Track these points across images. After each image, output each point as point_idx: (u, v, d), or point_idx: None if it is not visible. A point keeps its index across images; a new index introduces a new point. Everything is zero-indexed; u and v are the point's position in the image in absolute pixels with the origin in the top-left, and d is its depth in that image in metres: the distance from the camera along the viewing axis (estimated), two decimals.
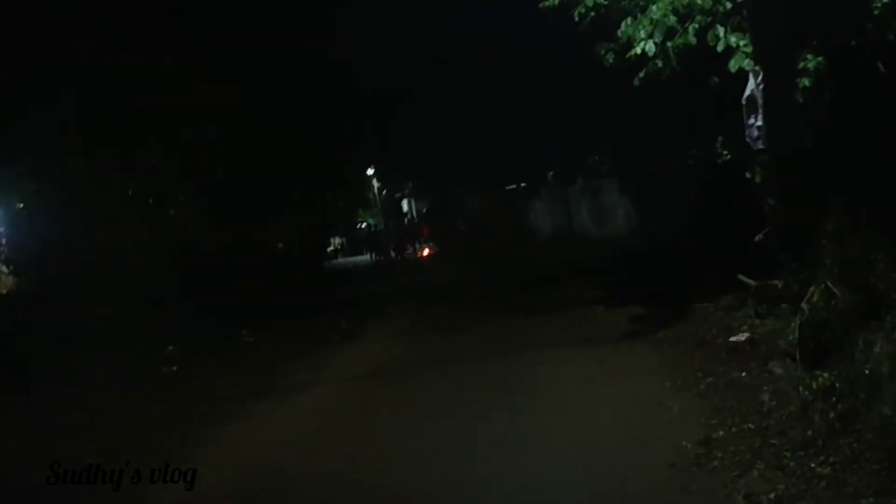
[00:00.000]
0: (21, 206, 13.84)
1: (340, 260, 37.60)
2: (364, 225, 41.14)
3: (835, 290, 5.23)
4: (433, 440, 5.81)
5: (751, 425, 4.82)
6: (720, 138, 8.20)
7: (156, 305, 11.58)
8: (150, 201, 13.96)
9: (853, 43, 6.37)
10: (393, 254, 31.62)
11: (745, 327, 7.09)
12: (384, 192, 46.02)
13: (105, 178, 12.60)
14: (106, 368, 9.40)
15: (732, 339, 6.85)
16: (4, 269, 13.77)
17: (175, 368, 10.25)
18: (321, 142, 17.37)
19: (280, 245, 16.65)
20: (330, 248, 37.76)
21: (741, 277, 7.72)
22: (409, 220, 39.11)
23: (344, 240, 41.19)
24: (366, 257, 33.86)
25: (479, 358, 8.56)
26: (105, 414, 7.96)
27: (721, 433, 4.80)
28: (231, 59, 13.65)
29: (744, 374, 5.91)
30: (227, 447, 6.53)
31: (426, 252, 31.52)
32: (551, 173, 28.30)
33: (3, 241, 14.16)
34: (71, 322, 10.82)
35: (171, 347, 10.90)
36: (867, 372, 4.61)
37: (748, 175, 7.58)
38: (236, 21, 13.90)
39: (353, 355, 10.27)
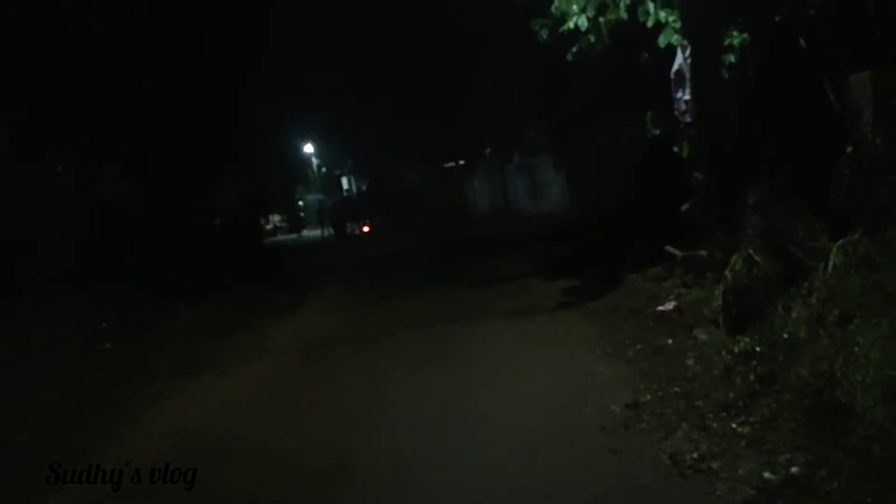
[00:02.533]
0: None
1: (280, 237, 37.10)
2: (316, 198, 40.46)
3: (756, 258, 5.43)
4: (369, 408, 5.84)
5: (677, 389, 4.99)
6: (650, 113, 8.35)
7: (89, 281, 11.23)
8: (84, 175, 13.48)
9: (776, 19, 6.55)
10: (350, 226, 31.03)
11: (672, 296, 7.30)
12: (323, 168, 45.56)
13: (35, 152, 12.09)
14: (36, 344, 9.10)
15: (660, 307, 7.06)
16: None
17: (108, 345, 10.00)
18: (257, 118, 17.08)
19: (217, 221, 16.33)
20: (269, 226, 37.24)
21: (669, 248, 7.92)
22: (349, 195, 38.79)
23: (284, 216, 40.66)
24: (313, 233, 33.28)
25: (415, 328, 8.61)
26: (34, 391, 7.73)
27: (648, 397, 4.95)
28: (168, 29, 13.24)
29: (670, 340, 6.10)
30: (163, 421, 6.42)
31: (366, 228, 31.40)
32: (488, 150, 28.46)
33: None
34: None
35: (104, 324, 10.62)
36: (785, 336, 4.82)
37: (676, 149, 7.76)
38: None
39: (291, 328, 10.19)
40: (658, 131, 8.34)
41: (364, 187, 38.81)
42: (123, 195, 13.04)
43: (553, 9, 7.56)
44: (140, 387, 7.56)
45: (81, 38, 11.95)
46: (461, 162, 32.25)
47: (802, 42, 6.67)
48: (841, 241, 5.42)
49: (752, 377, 4.65)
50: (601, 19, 7.19)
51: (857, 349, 4.29)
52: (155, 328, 10.86)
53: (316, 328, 9.83)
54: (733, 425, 4.29)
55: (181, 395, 7.10)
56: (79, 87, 12.27)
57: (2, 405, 7.13)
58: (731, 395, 4.58)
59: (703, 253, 6.53)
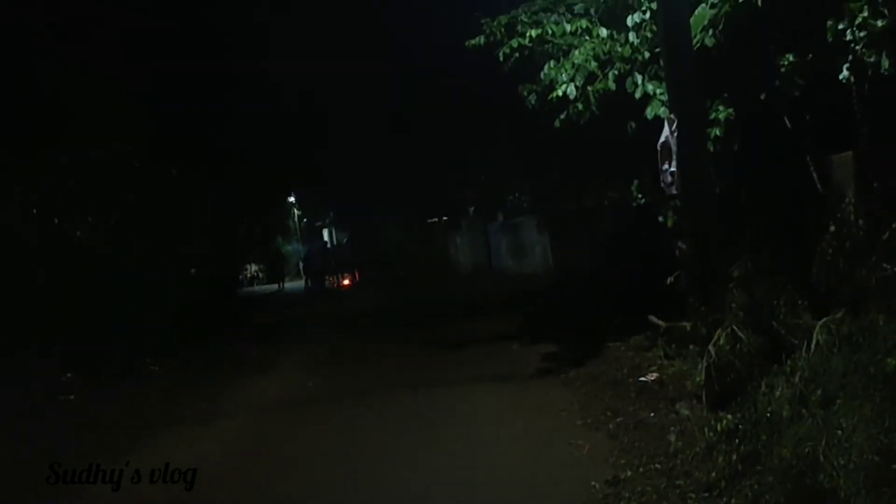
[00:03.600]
0: None
1: (257, 287, 36.80)
2: (297, 249, 40.23)
3: (740, 334, 5.39)
4: (337, 476, 5.68)
5: (658, 466, 4.88)
6: (635, 181, 8.40)
7: (54, 329, 10.98)
8: (55, 220, 13.32)
9: (762, 97, 6.66)
10: (329, 279, 30.75)
11: (654, 367, 7.23)
12: (305, 220, 45.56)
13: (5, 192, 11.96)
14: None
15: (642, 378, 6.99)
16: None
17: (72, 397, 9.72)
18: (240, 167, 17.08)
19: (192, 270, 16.14)
20: (248, 275, 36.95)
21: (652, 318, 7.88)
22: (330, 248, 38.71)
23: (261, 266, 40.40)
24: (291, 284, 32.98)
25: (392, 392, 8.44)
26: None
27: (629, 473, 4.84)
28: (147, 75, 13.27)
29: (652, 414, 6.01)
30: (125, 481, 6.19)
31: (347, 282, 31.23)
32: (472, 208, 28.62)
33: None
34: None
35: (69, 375, 10.35)
36: (769, 415, 4.75)
37: (661, 219, 7.79)
38: (152, 36, 13.51)
39: (262, 386, 9.96)
40: (643, 199, 8.38)
41: (345, 240, 38.82)
42: (93, 243, 12.86)
43: (542, 76, 7.67)
44: (100, 445, 7.29)
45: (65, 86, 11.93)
46: (444, 218, 32.40)
47: (786, 120, 6.78)
48: (824, 320, 5.42)
49: (734, 456, 4.56)
50: (589, 88, 7.29)
51: (840, 432, 4.24)
52: (122, 381, 10.59)
53: (286, 387, 9.64)
54: None
55: (142, 455, 6.86)
56: (56, 131, 12.20)
57: None
58: (714, 474, 4.48)
59: (687, 325, 6.49)
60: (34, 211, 12.58)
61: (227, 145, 16.16)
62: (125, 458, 6.69)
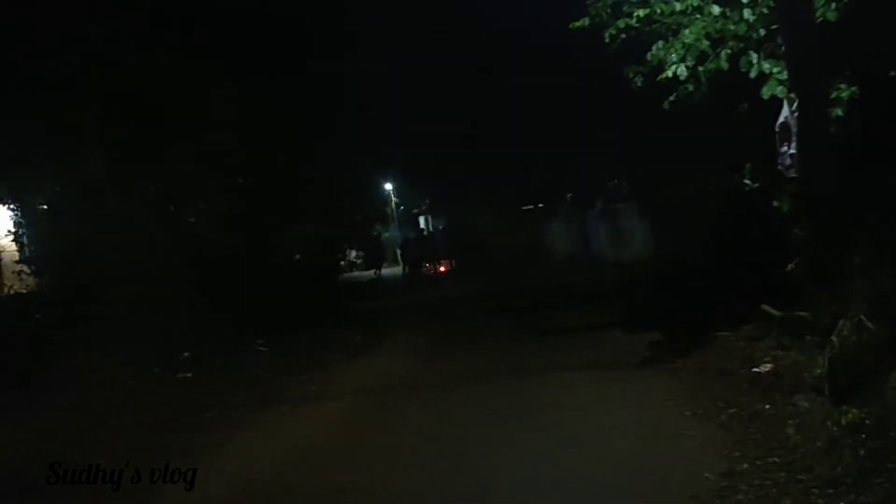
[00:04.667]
0: (44, 207, 13.92)
1: (356, 273, 37.56)
2: (395, 235, 40.91)
3: (867, 324, 5.10)
4: (443, 461, 5.69)
5: (776, 459, 4.67)
6: (748, 165, 8.09)
7: (173, 311, 11.57)
8: (171, 207, 14.00)
9: (891, 73, 6.28)
10: (426, 266, 31.17)
11: (768, 358, 6.91)
12: (402, 207, 46.15)
13: (127, 182, 12.64)
14: (121, 371, 9.39)
15: (755, 369, 6.69)
16: (26, 268, 13.82)
17: (190, 374, 10.21)
18: (341, 155, 17.44)
19: (297, 256, 16.61)
20: (346, 262, 37.72)
21: (765, 307, 7.56)
22: (426, 234, 39.07)
23: (360, 252, 41.19)
24: (391, 270, 33.55)
25: (493, 378, 8.44)
26: (115, 416, 7.94)
27: (745, 466, 4.65)
28: (253, 67, 13.72)
29: (767, 406, 5.75)
30: (237, 455, 6.46)
31: (443, 268, 31.48)
32: (570, 195, 28.28)
33: (26, 240, 14.23)
34: (88, 323, 10.83)
35: (186, 354, 10.87)
36: None
37: (776, 203, 7.47)
38: (257, 30, 13.94)
39: (366, 369, 10.18)
40: (755, 184, 8.06)
41: (441, 227, 39.05)
42: (204, 229, 13.43)
43: (649, 56, 7.48)
44: (216, 420, 7.67)
45: (179, 78, 12.47)
46: (540, 205, 32.13)
47: None
48: None
49: (861, 452, 4.32)
50: (700, 69, 7.06)
51: None
52: (232, 361, 11.04)
53: (388, 372, 9.80)
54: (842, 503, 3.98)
55: (255, 431, 7.15)
56: (173, 121, 12.79)
57: (80, 428, 7.34)
58: (839, 470, 4.25)
59: (805, 315, 6.19)
60: (151, 199, 13.23)
61: (328, 137, 16.55)
62: (240, 434, 7.03)
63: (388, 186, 42.38)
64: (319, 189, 16.62)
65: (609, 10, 7.78)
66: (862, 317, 5.12)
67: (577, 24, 8.06)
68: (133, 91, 12.24)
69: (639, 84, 7.90)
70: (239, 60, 13.61)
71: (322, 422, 7.42)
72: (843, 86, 6.53)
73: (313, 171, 16.03)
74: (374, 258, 32.86)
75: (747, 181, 8.30)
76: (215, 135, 13.01)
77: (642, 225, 20.47)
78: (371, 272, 30.91)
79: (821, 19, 6.09)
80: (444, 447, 6.08)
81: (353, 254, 40.50)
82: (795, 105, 5.68)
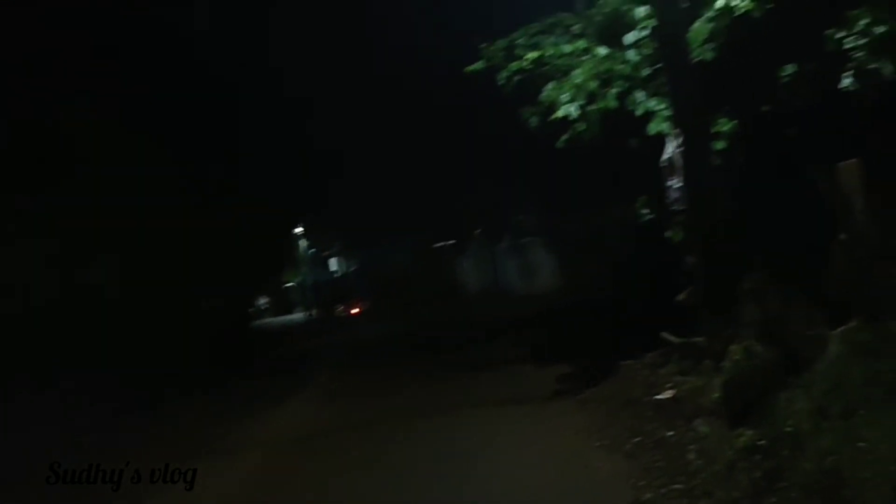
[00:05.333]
0: None
1: (267, 320, 36.84)
2: (306, 280, 40.35)
3: (755, 348, 5.32)
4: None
5: (679, 486, 4.80)
6: (641, 198, 8.39)
7: (71, 371, 11.00)
8: (69, 262, 13.37)
9: (764, 109, 6.65)
10: (340, 309, 30.76)
11: (669, 385, 7.12)
12: (312, 250, 45.62)
13: (20, 235, 12.02)
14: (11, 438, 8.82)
15: (658, 396, 6.88)
16: None
17: (90, 436, 9.69)
18: (249, 203, 17.19)
19: (206, 306, 16.16)
20: (255, 308, 36.98)
21: (664, 335, 7.80)
22: (338, 277, 38.72)
23: (270, 298, 40.48)
24: (298, 315, 33.03)
25: (407, 419, 8.38)
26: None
27: (649, 495, 4.76)
28: (156, 117, 13.40)
29: (670, 432, 5.91)
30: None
31: (356, 310, 31.21)
32: (478, 231, 28.60)
33: None
34: None
35: (86, 416, 10.33)
36: (789, 429, 4.67)
37: (668, 234, 7.75)
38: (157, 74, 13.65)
39: (281, 419, 9.95)
40: (650, 216, 8.36)
41: (353, 268, 38.81)
42: (110, 283, 12.90)
43: (543, 97, 7.70)
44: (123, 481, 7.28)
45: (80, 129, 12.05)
46: (451, 242, 32.36)
47: (790, 131, 6.76)
48: (840, 330, 5.35)
49: (756, 473, 4.48)
50: (590, 108, 7.30)
51: (862, 444, 4.16)
52: (141, 419, 10.58)
53: (303, 419, 9.62)
54: None
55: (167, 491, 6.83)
56: (69, 173, 12.29)
57: None
58: (736, 493, 4.40)
59: (701, 341, 6.43)
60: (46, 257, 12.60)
61: (235, 182, 16.29)
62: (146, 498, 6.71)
63: (298, 230, 41.87)
64: (225, 238, 16.25)
65: (502, 54, 8.01)
66: (751, 341, 5.34)
67: (473, 67, 8.26)
68: (30, 139, 11.70)
69: (535, 124, 8.11)
70: (136, 107, 13.24)
71: (234, 478, 7.15)
72: (724, 120, 6.87)
73: (219, 220, 15.67)
74: (285, 303, 32.32)
75: (642, 213, 8.58)
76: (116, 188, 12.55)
77: (548, 258, 20.90)
78: (285, 318, 30.36)
79: (699, 59, 6.41)
80: (356, 492, 5.98)
81: (264, 300, 39.80)
82: (679, 141, 5.95)
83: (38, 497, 5.17)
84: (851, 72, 5.66)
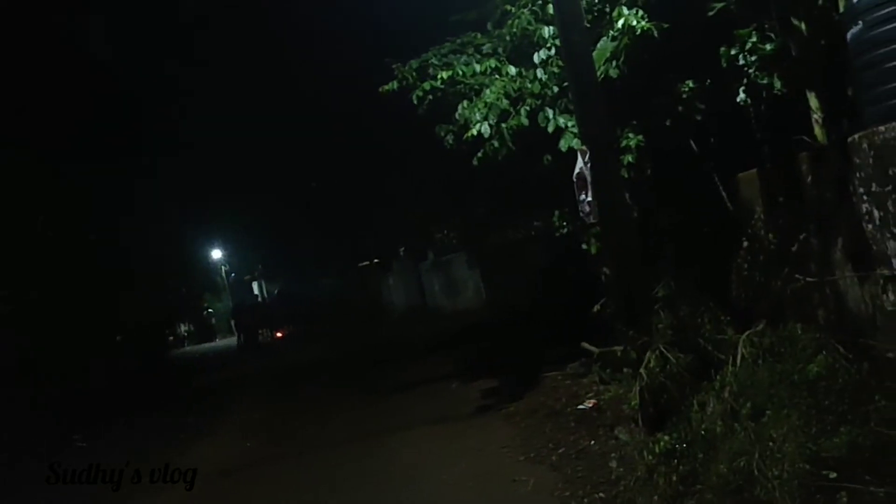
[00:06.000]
0: None
1: (188, 347, 35.81)
2: (227, 305, 39.40)
3: (668, 355, 5.49)
4: None
5: (601, 495, 4.91)
6: (556, 212, 8.56)
7: None
8: None
9: (667, 123, 6.90)
10: (262, 333, 30.01)
11: (591, 394, 7.30)
12: (233, 274, 44.70)
13: None
14: None
15: (580, 406, 7.03)
16: None
17: None
18: (161, 226, 16.72)
19: (118, 337, 15.60)
20: (175, 336, 35.93)
21: (585, 345, 7.97)
22: (260, 301, 37.98)
23: (189, 326, 39.41)
24: (223, 342, 32.11)
25: (333, 446, 8.26)
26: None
27: None
28: (54, 141, 12.90)
29: (592, 442, 6.05)
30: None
31: (280, 334, 30.67)
32: (402, 249, 28.59)
33: None
34: None
35: None
36: (703, 432, 4.83)
37: (584, 246, 7.93)
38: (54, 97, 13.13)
39: (201, 453, 9.59)
40: (566, 229, 8.53)
41: (276, 291, 38.18)
42: (5, 316, 12.29)
43: (457, 116, 7.78)
44: None
45: None
46: (376, 261, 32.23)
47: (693, 144, 7.04)
48: (746, 333, 5.58)
49: (674, 477, 4.61)
50: (503, 125, 7.41)
51: (771, 443, 4.34)
52: (45, 463, 10.06)
53: (226, 452, 9.30)
54: None
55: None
56: None
57: None
58: (655, 497, 4.52)
59: (618, 350, 6.60)
60: None
61: (138, 206, 15.80)
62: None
63: (217, 255, 40.98)
64: (138, 266, 15.75)
65: (414, 74, 8.06)
66: (662, 347, 5.51)
67: (387, 87, 8.27)
68: None
69: (450, 142, 8.18)
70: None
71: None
72: (630, 135, 7.08)
73: (129, 247, 15.17)
74: (205, 330, 31.46)
75: (559, 226, 8.75)
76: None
77: (472, 273, 21.05)
78: (206, 345, 29.50)
79: (603, 76, 6.62)
80: None
81: (184, 327, 38.70)
82: (588, 156, 6.12)
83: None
84: (744, 87, 5.94)
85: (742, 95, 6.02)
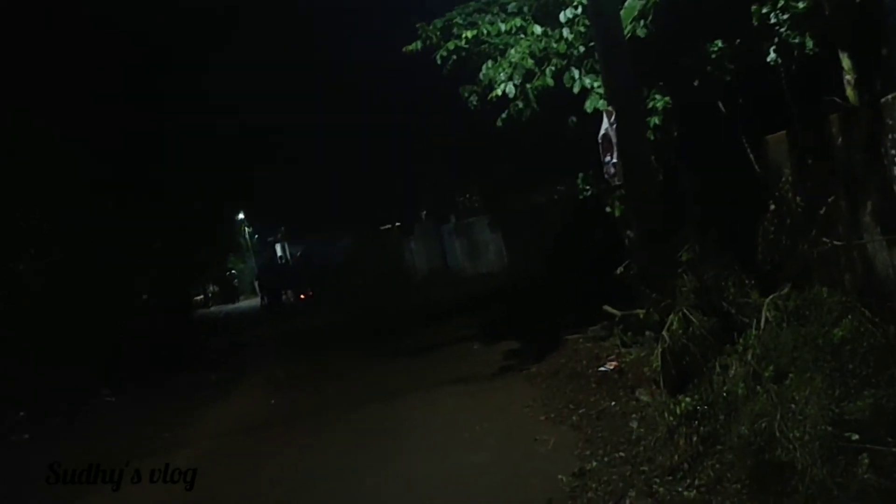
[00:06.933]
0: None
1: (213, 308, 36.25)
2: (251, 266, 39.80)
3: (691, 317, 5.48)
4: (304, 497, 5.63)
5: (622, 454, 4.95)
6: (581, 174, 8.49)
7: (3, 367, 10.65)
8: None
9: (695, 83, 6.78)
10: (286, 295, 30.37)
11: (612, 357, 7.31)
12: (256, 236, 45.01)
13: None
14: None
15: (601, 368, 7.06)
16: None
17: (27, 436, 9.44)
18: (185, 188, 16.83)
19: (144, 296, 15.81)
20: (200, 297, 36.39)
21: (607, 308, 7.97)
22: (284, 263, 38.24)
23: (216, 286, 39.83)
24: (248, 303, 32.45)
25: (356, 404, 8.38)
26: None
27: (594, 464, 4.89)
28: (82, 101, 12.98)
29: (613, 403, 6.08)
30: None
31: (302, 296, 30.93)
32: (424, 212, 28.61)
33: None
34: None
35: (21, 413, 10.05)
36: (725, 394, 4.84)
37: (608, 209, 7.88)
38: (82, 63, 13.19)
39: (226, 409, 9.82)
40: (590, 192, 8.47)
41: (299, 253, 38.39)
42: (37, 276, 12.50)
43: (481, 76, 7.70)
44: (62, 487, 7.09)
45: None
46: (397, 224, 32.28)
47: (721, 105, 6.92)
48: (771, 297, 5.55)
49: (695, 438, 4.64)
50: (528, 86, 7.33)
51: (793, 405, 4.34)
52: (78, 417, 10.32)
53: (249, 410, 9.51)
54: (679, 489, 4.26)
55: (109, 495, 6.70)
56: None
57: None
58: (676, 457, 4.55)
59: (641, 312, 6.59)
60: None
61: (166, 170, 15.90)
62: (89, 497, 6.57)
63: (241, 216, 41.21)
64: (161, 227, 15.88)
65: (439, 33, 7.96)
66: (685, 310, 5.50)
67: (410, 47, 8.19)
68: None
69: (474, 103, 8.11)
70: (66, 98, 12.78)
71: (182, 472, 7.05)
72: (657, 96, 6.98)
73: (153, 211, 15.29)
74: (229, 291, 31.77)
75: (583, 189, 8.69)
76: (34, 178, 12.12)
77: (495, 237, 21.03)
78: (230, 305, 29.84)
79: (630, 36, 6.50)
80: (305, 482, 5.98)
81: (210, 288, 39.15)
82: (613, 117, 6.05)
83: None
84: (774, 46, 5.81)
85: (773, 55, 5.88)
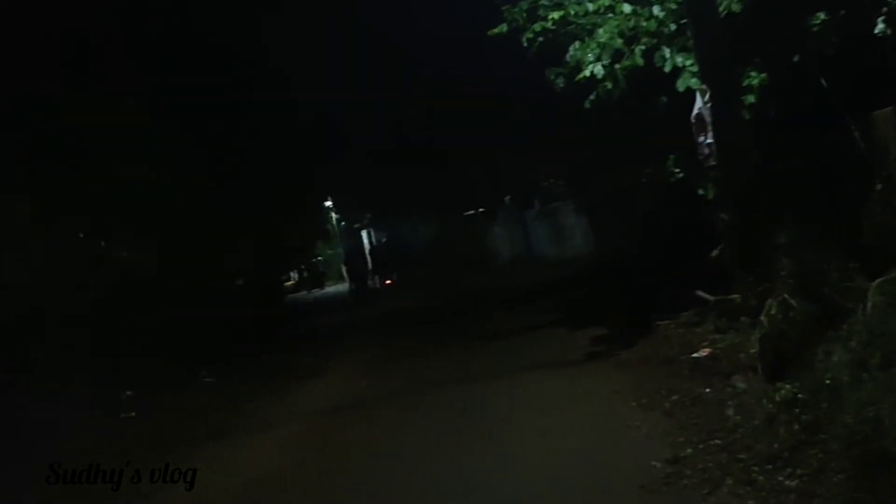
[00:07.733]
0: None
1: (301, 293, 37.26)
2: (338, 252, 40.70)
3: (791, 302, 5.29)
4: (395, 475, 5.70)
5: (718, 441, 4.82)
6: (671, 156, 8.30)
7: (109, 350, 11.25)
8: (102, 242, 13.64)
9: (795, 59, 6.52)
10: (372, 280, 31.02)
11: (706, 343, 7.11)
12: (343, 223, 45.86)
13: (50, 219, 12.24)
14: (58, 418, 9.07)
15: (694, 355, 6.87)
16: None
17: (134, 414, 9.96)
18: (275, 176, 17.31)
19: (239, 282, 16.40)
20: (290, 282, 37.42)
21: (699, 293, 7.78)
22: (370, 249, 38.89)
23: (305, 272, 40.89)
24: (335, 288, 33.19)
25: (443, 388, 8.45)
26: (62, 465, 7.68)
27: (689, 451, 4.78)
28: (175, 94, 13.50)
29: (707, 389, 5.92)
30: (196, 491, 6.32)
31: (387, 281, 31.40)
32: (508, 197, 28.50)
33: None
34: (16, 370, 10.42)
35: (128, 392, 10.60)
36: (828, 382, 4.66)
37: (701, 192, 7.68)
38: (178, 55, 13.72)
39: (316, 390, 10.10)
40: (681, 174, 8.28)
41: (384, 239, 38.92)
42: (140, 260, 13.11)
43: (568, 57, 7.62)
44: (169, 458, 7.46)
45: (90, 104, 12.17)
46: (481, 210, 32.28)
47: (822, 81, 6.63)
48: (878, 281, 5.29)
49: (796, 426, 4.48)
50: (617, 66, 7.22)
51: None
52: (177, 394, 10.82)
53: (340, 391, 9.74)
54: (780, 478, 4.11)
55: (212, 464, 6.98)
56: (90, 152, 12.46)
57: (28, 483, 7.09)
58: (776, 445, 4.40)
59: (736, 297, 6.40)
60: (81, 235, 12.87)
61: (257, 161, 16.41)
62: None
63: (328, 203, 42.06)
64: (254, 215, 16.42)
65: (525, 15, 7.91)
66: (786, 295, 5.31)
67: (496, 30, 8.18)
68: (50, 125, 11.87)
69: (560, 85, 8.04)
70: (160, 88, 13.34)
71: (274, 450, 7.32)
72: (753, 73, 6.75)
73: (249, 195, 15.83)
74: (317, 276, 32.52)
75: (673, 171, 8.50)
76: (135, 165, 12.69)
77: (580, 221, 20.80)
78: (318, 291, 30.57)
79: (725, 12, 6.30)
80: (395, 461, 6.08)
81: (299, 274, 40.22)
82: (707, 96, 5.88)
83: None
84: (883, 16, 5.52)
85: (881, 26, 5.59)
